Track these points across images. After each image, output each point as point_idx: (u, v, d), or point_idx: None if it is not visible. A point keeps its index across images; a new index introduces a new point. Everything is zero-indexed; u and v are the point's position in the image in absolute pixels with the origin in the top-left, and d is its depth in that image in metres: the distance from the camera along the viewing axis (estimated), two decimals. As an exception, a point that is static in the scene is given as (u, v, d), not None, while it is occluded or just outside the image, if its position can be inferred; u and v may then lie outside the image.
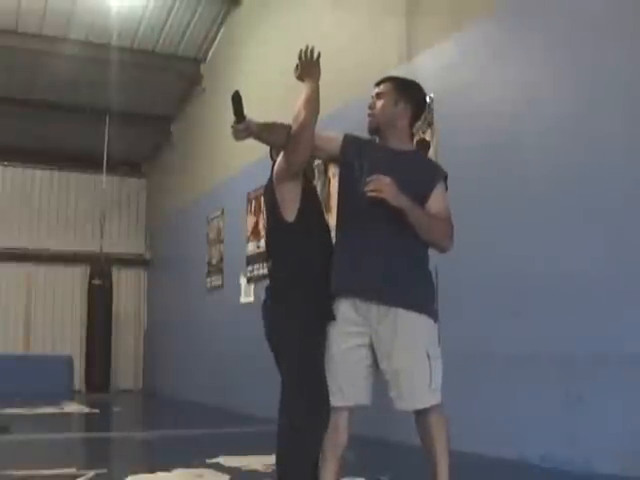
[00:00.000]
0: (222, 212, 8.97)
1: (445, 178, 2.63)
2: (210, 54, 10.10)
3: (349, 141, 2.64)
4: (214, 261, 9.16)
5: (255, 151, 7.25)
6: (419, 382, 2.46)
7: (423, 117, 5.01)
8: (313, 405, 2.49)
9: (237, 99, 2.46)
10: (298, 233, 2.57)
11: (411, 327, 2.48)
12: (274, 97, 7.56)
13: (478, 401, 4.28)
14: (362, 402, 2.55)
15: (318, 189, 6.24)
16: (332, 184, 6.01)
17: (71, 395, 10.47)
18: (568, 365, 3.75)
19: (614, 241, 3.61)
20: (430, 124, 5.00)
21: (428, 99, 5.00)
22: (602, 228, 3.67)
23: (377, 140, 2.68)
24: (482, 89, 4.60)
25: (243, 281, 7.97)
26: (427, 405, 2.47)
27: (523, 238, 4.14)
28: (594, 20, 3.84)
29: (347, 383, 2.50)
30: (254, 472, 3.80)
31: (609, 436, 3.50)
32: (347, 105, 5.79)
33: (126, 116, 10.78)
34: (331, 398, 2.52)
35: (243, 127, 2.48)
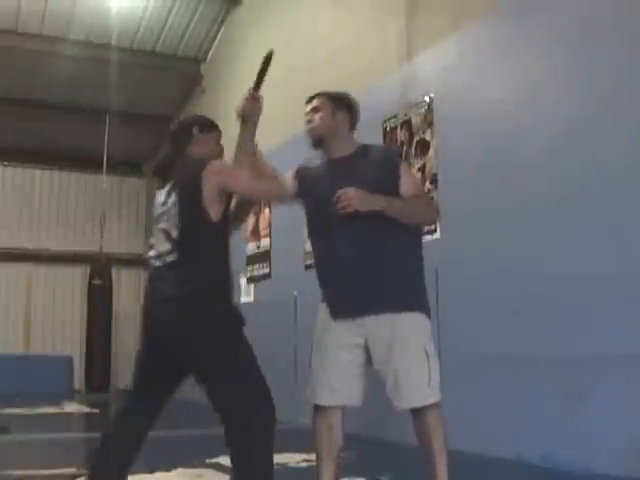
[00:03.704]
0: (222, 212, 8.96)
1: (400, 157, 2.64)
2: (210, 54, 10.11)
3: (301, 174, 2.70)
4: (214, 261, 9.15)
5: (255, 151, 7.26)
6: (418, 380, 2.47)
7: (423, 118, 5.03)
8: (259, 403, 2.39)
9: (268, 62, 2.51)
10: (219, 234, 2.49)
11: (407, 326, 2.50)
12: (274, 97, 7.55)
13: (478, 401, 4.28)
14: (354, 403, 2.55)
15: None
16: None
17: (71, 395, 10.46)
18: (568, 365, 3.75)
19: (614, 241, 3.60)
20: (430, 124, 5.00)
21: (428, 99, 5.02)
22: (603, 228, 3.66)
23: (321, 153, 2.72)
24: (482, 89, 4.60)
25: (243, 281, 7.96)
26: (426, 403, 2.47)
27: (523, 237, 4.14)
28: (596, 18, 3.83)
29: (340, 382, 2.51)
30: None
31: (609, 436, 3.49)
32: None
33: (126, 116, 10.77)
34: (321, 396, 2.53)
35: (258, 98, 2.50)
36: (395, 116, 5.35)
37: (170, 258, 2.46)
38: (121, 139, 11.19)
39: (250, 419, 2.33)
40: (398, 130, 5.30)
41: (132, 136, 11.56)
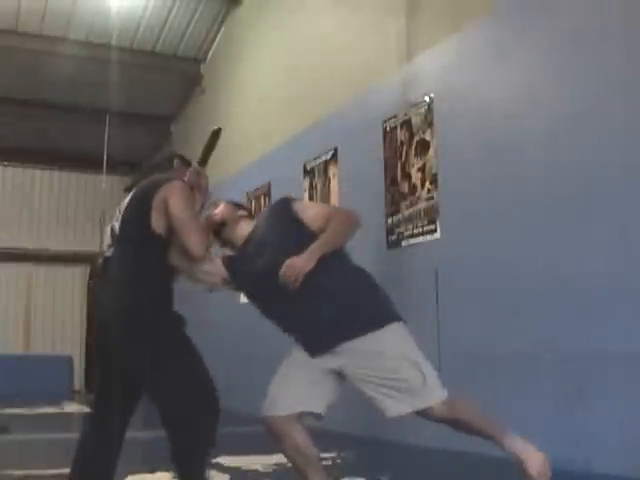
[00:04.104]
0: (222, 212, 8.95)
1: (289, 201, 2.74)
2: (210, 54, 10.11)
3: (227, 263, 2.81)
4: (214, 261, 9.15)
5: (254, 152, 7.27)
6: (413, 382, 2.49)
7: (423, 118, 5.03)
8: (202, 401, 2.52)
9: (215, 138, 2.59)
10: (160, 246, 2.50)
11: (380, 345, 2.51)
12: (274, 97, 7.55)
13: (477, 401, 4.27)
14: (316, 410, 2.59)
15: (318, 189, 6.24)
16: (332, 184, 6.02)
17: (71, 395, 10.47)
18: (568, 365, 3.75)
19: (615, 240, 3.60)
20: (430, 124, 5.00)
21: (428, 99, 5.02)
22: (603, 227, 3.66)
23: (222, 244, 2.89)
24: (482, 89, 4.60)
25: (243, 281, 7.95)
26: (432, 402, 2.49)
27: (523, 237, 4.14)
28: (595, 18, 3.83)
29: (300, 392, 2.58)
30: (254, 472, 3.80)
31: (609, 436, 3.50)
32: (346, 104, 5.79)
33: (126, 116, 10.77)
34: (284, 407, 2.58)
35: (202, 173, 2.66)
36: (395, 116, 5.35)
37: (108, 253, 2.56)
38: (121, 139, 11.18)
39: (195, 417, 2.48)
40: (398, 130, 5.30)
41: (132, 136, 11.56)
